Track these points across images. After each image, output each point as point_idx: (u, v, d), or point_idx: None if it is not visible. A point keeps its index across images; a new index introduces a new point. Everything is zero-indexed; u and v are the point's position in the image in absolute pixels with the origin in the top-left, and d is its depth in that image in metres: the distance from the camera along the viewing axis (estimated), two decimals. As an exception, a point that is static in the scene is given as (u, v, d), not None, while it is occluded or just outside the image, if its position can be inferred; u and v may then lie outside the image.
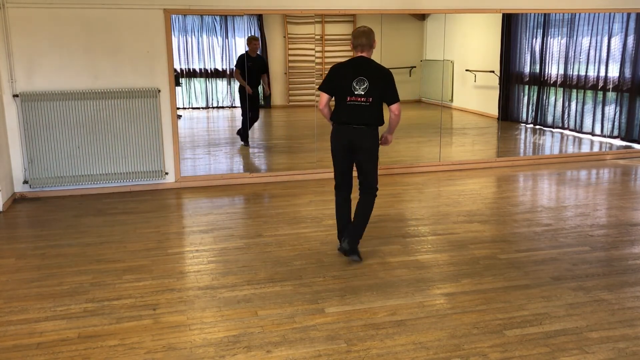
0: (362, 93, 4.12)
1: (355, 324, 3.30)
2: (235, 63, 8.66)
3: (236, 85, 10.20)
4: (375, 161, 4.33)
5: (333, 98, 4.25)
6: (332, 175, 6.88)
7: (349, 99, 4.14)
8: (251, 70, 8.22)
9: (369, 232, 4.90)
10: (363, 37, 4.28)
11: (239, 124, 8.96)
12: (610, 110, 8.78)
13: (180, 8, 6.20)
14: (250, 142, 8.67)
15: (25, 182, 6.07)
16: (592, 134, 9.05)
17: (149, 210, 5.67)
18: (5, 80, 5.86)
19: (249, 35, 8.57)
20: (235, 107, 11.99)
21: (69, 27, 5.94)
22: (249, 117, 8.48)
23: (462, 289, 3.76)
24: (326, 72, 11.22)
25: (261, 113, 11.91)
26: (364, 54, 4.27)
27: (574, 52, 9.32)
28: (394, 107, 4.20)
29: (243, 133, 8.58)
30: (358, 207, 4.32)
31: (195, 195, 6.25)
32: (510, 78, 10.26)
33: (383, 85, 4.15)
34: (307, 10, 6.97)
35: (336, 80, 4.21)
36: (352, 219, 4.37)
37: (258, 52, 8.62)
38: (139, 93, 6.17)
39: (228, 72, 11.81)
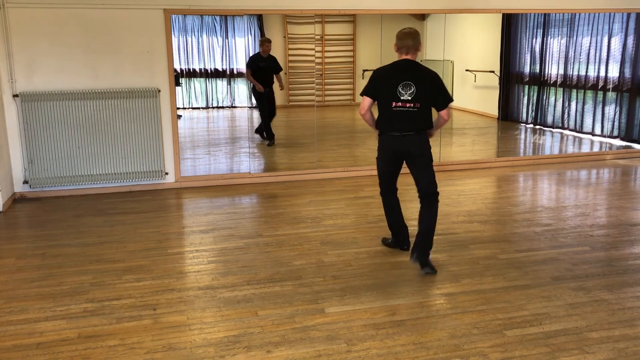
0: (409, 98, 3.96)
1: (355, 324, 3.30)
2: (246, 64, 8.82)
3: (242, 86, 10.31)
4: (431, 164, 4.16)
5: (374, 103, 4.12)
6: (331, 175, 6.90)
7: (394, 104, 3.98)
8: (264, 70, 8.49)
9: (369, 232, 4.91)
10: (409, 39, 4.02)
11: (239, 124, 8.99)
12: (610, 110, 8.78)
13: (180, 8, 6.20)
14: (274, 140, 8.83)
15: (25, 182, 6.07)
16: (592, 134, 9.05)
17: (149, 210, 5.67)
18: (5, 80, 5.86)
19: (262, 37, 8.82)
20: (235, 107, 11.99)
21: (69, 27, 5.94)
22: (267, 114, 8.67)
23: (462, 289, 3.76)
24: (326, 72, 11.21)
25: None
26: (408, 57, 4.06)
27: (574, 52, 9.32)
28: (444, 112, 4.07)
29: (266, 131, 8.75)
30: (423, 218, 4.13)
31: (195, 195, 6.25)
32: (510, 78, 10.25)
33: (431, 89, 4.00)
34: (307, 10, 6.97)
35: (380, 84, 4.05)
36: (404, 223, 4.37)
37: (269, 53, 8.76)
38: (139, 93, 6.17)
39: (228, 72, 11.80)
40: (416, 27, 4.17)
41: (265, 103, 8.65)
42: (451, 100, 4.09)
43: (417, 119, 3.99)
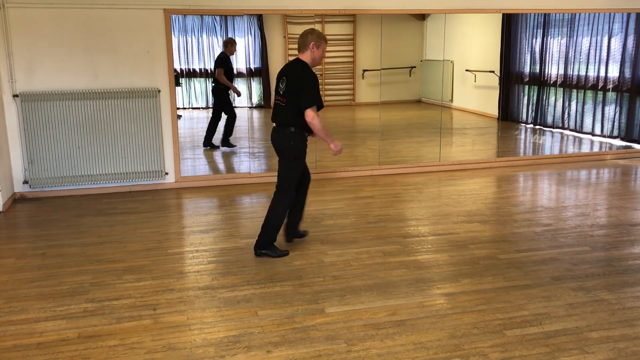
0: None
1: (355, 324, 3.30)
2: (215, 63, 8.35)
3: (242, 85, 10.12)
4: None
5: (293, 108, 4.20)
6: (331, 175, 6.90)
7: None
8: (232, 70, 8.33)
9: (369, 232, 4.91)
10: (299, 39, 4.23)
11: (239, 124, 8.93)
12: (610, 110, 8.79)
13: (180, 8, 6.20)
14: (214, 145, 8.50)
15: (25, 182, 6.07)
16: (592, 134, 9.05)
17: (149, 210, 5.67)
18: (5, 80, 5.86)
19: (229, 38, 8.44)
20: (235, 107, 12.00)
21: (69, 27, 5.94)
22: (231, 119, 8.38)
23: (462, 289, 3.76)
24: (327, 72, 11.20)
25: (261, 113, 11.95)
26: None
27: (574, 52, 9.32)
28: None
29: (228, 136, 8.43)
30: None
31: (195, 195, 6.25)
32: (510, 78, 10.25)
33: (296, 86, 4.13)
34: (307, 10, 6.97)
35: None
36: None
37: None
38: (139, 93, 6.17)
39: (215, 71, 11.80)
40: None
41: (229, 107, 8.39)
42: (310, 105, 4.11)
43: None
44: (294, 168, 4.30)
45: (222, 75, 8.15)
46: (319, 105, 4.14)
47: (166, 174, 6.42)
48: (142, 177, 6.32)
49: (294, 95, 4.11)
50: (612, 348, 3.03)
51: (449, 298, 3.64)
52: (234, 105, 8.68)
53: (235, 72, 10.53)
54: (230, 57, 8.36)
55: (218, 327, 3.28)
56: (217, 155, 8.41)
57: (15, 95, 5.91)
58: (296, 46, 4.24)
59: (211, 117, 8.50)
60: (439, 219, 5.27)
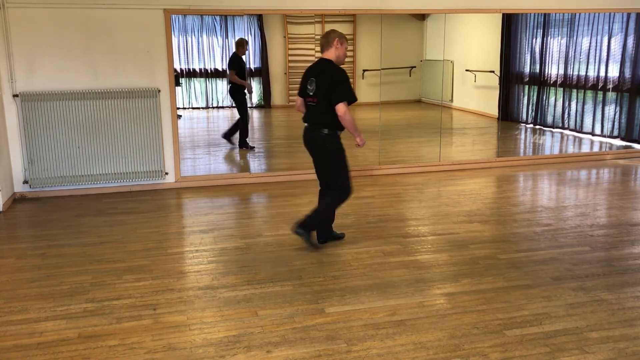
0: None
1: (355, 324, 3.30)
2: (228, 64, 8.48)
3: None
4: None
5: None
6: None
7: None
8: (243, 70, 8.35)
9: (369, 232, 4.91)
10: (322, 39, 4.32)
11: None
12: (610, 110, 8.79)
13: (180, 8, 6.20)
14: (249, 144, 8.63)
15: (25, 182, 6.07)
16: (592, 134, 9.05)
17: (149, 210, 5.67)
18: (5, 80, 5.86)
19: (241, 38, 8.50)
20: (235, 107, 12.01)
21: (69, 27, 5.94)
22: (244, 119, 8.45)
23: (462, 289, 3.76)
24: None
25: (261, 113, 11.96)
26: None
27: (574, 52, 9.32)
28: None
29: (245, 136, 8.50)
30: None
31: (195, 195, 6.25)
32: (510, 78, 10.26)
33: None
34: (307, 10, 6.97)
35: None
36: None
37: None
38: (139, 93, 6.17)
39: (228, 72, 11.81)
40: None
41: (244, 106, 8.47)
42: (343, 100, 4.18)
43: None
44: (342, 164, 4.38)
45: (234, 77, 8.25)
46: (351, 100, 4.20)
47: (166, 173, 6.42)
48: (142, 177, 6.32)
49: (325, 93, 4.16)
50: (612, 348, 3.03)
51: (449, 298, 3.64)
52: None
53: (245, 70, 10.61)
54: (242, 56, 8.40)
55: (218, 327, 3.28)
56: (217, 155, 8.41)
57: (15, 95, 5.91)
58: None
59: (239, 119, 8.54)
60: (439, 219, 5.27)
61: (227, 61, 8.52)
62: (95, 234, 4.95)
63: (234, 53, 8.45)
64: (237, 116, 8.55)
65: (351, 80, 11.28)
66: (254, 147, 8.53)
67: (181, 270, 4.17)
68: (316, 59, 4.38)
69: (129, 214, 5.53)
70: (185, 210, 5.81)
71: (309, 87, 4.28)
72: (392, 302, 3.57)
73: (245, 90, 8.37)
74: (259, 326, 3.28)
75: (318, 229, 4.54)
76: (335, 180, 4.39)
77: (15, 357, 2.99)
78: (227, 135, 8.72)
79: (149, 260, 4.31)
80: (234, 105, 8.69)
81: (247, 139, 8.47)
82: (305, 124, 4.40)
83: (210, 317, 3.41)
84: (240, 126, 8.49)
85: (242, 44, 8.39)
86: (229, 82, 8.43)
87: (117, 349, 3.06)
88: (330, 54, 4.24)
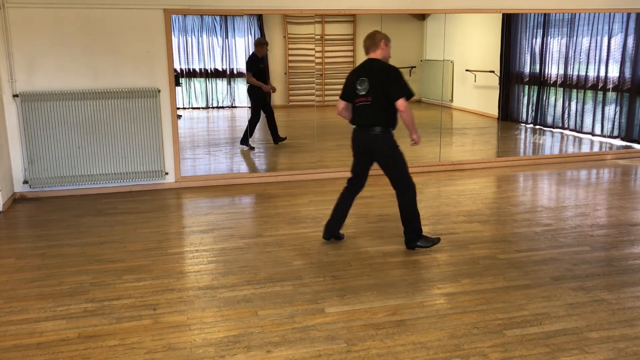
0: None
1: (355, 324, 3.30)
2: (246, 66, 8.48)
3: (242, 85, 10.13)
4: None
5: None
6: (331, 175, 6.90)
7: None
8: (263, 71, 8.37)
9: (369, 232, 4.91)
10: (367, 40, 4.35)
11: (239, 124, 8.94)
12: (610, 110, 8.78)
13: (180, 8, 6.20)
14: (250, 144, 8.64)
15: (25, 182, 6.07)
16: (592, 134, 9.05)
17: (149, 210, 5.67)
18: (5, 80, 5.86)
19: (260, 38, 8.49)
20: (235, 107, 11.99)
21: (69, 27, 5.94)
22: (255, 119, 8.48)
23: (462, 289, 3.76)
24: (327, 72, 11.17)
25: (261, 113, 11.95)
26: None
27: (574, 52, 9.31)
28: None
29: (276, 133, 8.54)
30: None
31: (195, 195, 6.25)
32: (510, 78, 10.25)
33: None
34: (307, 10, 6.97)
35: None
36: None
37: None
38: (139, 93, 6.17)
39: (228, 72, 11.80)
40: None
41: (265, 104, 8.51)
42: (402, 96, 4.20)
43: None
44: (400, 162, 4.35)
45: (252, 79, 8.26)
46: (410, 95, 4.23)
47: (166, 174, 6.42)
48: (142, 177, 6.32)
49: (381, 91, 4.17)
50: (612, 348, 3.03)
51: (449, 298, 3.64)
52: (249, 105, 8.70)
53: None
54: (262, 57, 8.43)
55: (218, 327, 3.28)
56: (217, 155, 8.41)
57: (15, 95, 5.91)
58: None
59: (250, 117, 8.55)
60: (439, 219, 5.27)
61: (246, 61, 8.54)
62: (95, 234, 4.95)
63: (252, 53, 8.51)
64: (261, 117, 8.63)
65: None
66: (254, 147, 8.54)
67: (181, 270, 4.17)
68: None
69: (129, 214, 5.53)
70: (185, 210, 5.81)
71: (359, 88, 4.24)
72: (392, 302, 3.57)
73: (270, 92, 8.45)
74: (259, 326, 3.28)
75: (328, 225, 4.60)
76: (400, 179, 4.37)
77: (15, 357, 2.99)
78: (275, 139, 8.71)
79: (149, 260, 4.31)
80: (255, 106, 8.75)
81: (250, 139, 8.51)
82: (355, 126, 4.39)
83: (210, 317, 3.41)
84: (249, 124, 8.54)
85: (261, 44, 8.42)
86: (247, 82, 8.47)
87: (117, 349, 3.06)
88: (377, 55, 4.28)
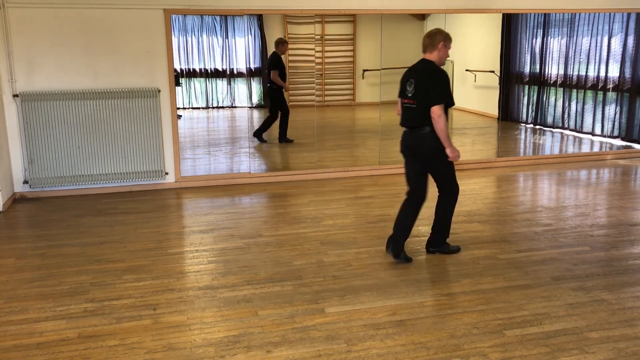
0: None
1: (355, 324, 3.30)
2: (270, 65, 8.59)
3: (242, 85, 10.19)
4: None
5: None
6: (331, 175, 6.90)
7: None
8: (283, 70, 8.55)
9: (369, 232, 4.91)
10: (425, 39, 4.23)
11: (239, 124, 8.95)
12: (610, 110, 8.78)
13: (180, 8, 6.20)
14: (263, 139, 8.77)
15: (25, 182, 6.07)
16: (592, 134, 9.04)
17: (149, 210, 5.67)
18: (5, 80, 5.86)
19: (282, 38, 8.62)
20: (235, 107, 11.99)
21: (69, 27, 5.94)
22: (286, 115, 8.61)
23: (462, 289, 3.76)
24: (326, 72, 11.15)
25: (261, 113, 11.94)
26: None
27: (574, 52, 9.31)
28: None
29: (285, 131, 8.63)
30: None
31: (195, 195, 6.25)
32: (510, 78, 10.25)
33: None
34: (307, 10, 6.97)
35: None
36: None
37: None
38: (139, 93, 6.17)
39: (228, 72, 11.80)
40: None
41: (282, 103, 8.63)
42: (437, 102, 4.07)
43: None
44: (446, 165, 4.19)
45: (277, 77, 8.33)
46: (449, 104, 4.09)
47: (166, 173, 6.42)
48: (142, 177, 6.32)
49: (424, 95, 4.05)
50: (612, 348, 3.03)
51: (449, 298, 3.64)
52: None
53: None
54: (282, 56, 8.53)
55: (218, 327, 3.28)
56: (217, 155, 8.41)
57: (15, 95, 5.91)
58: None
59: (269, 116, 8.70)
60: (439, 219, 5.26)
61: (269, 61, 8.59)
62: (95, 234, 4.95)
63: (274, 53, 8.55)
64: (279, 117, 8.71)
65: (351, 80, 11.29)
66: (266, 141, 8.71)
67: (181, 270, 4.17)
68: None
69: (129, 214, 5.53)
70: (185, 210, 5.81)
71: (407, 89, 4.19)
72: (392, 302, 3.57)
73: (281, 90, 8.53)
74: (259, 326, 3.28)
75: (390, 239, 4.29)
76: (445, 182, 4.26)
77: (15, 357, 2.99)
78: (281, 138, 8.77)
79: (149, 260, 4.31)
80: (269, 105, 8.83)
81: (264, 135, 8.66)
82: (404, 128, 4.28)
83: (210, 317, 3.41)
84: (267, 121, 8.66)
85: (282, 43, 8.49)
86: (269, 81, 8.52)
87: (117, 349, 3.06)
88: (433, 56, 4.15)
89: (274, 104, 8.62)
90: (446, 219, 4.33)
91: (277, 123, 8.70)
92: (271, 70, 8.42)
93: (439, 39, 4.11)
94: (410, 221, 4.25)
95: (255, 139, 8.70)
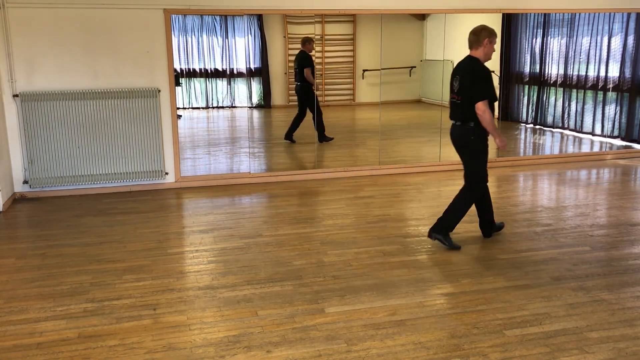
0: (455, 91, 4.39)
1: (355, 324, 3.30)
2: (302, 63, 8.56)
3: (242, 85, 10.22)
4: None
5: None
6: (331, 175, 6.90)
7: None
8: (314, 68, 8.54)
9: (369, 232, 4.91)
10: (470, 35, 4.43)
11: (239, 124, 8.95)
12: (610, 110, 8.78)
13: (180, 8, 6.20)
14: (293, 140, 8.77)
15: (25, 182, 6.07)
16: (592, 134, 9.04)
17: (149, 210, 5.67)
18: (5, 80, 5.86)
19: (306, 36, 8.64)
20: (235, 107, 11.99)
21: (69, 27, 5.94)
22: (320, 113, 8.57)
23: (462, 289, 3.76)
24: (327, 72, 11.21)
25: (261, 113, 11.95)
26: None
27: (574, 52, 9.31)
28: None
29: (322, 129, 8.63)
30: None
31: (195, 195, 6.25)
32: (510, 78, 10.25)
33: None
34: (307, 10, 6.97)
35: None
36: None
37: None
38: (139, 93, 6.17)
39: (228, 72, 11.80)
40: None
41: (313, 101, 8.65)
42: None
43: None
44: (480, 162, 4.44)
45: (310, 75, 8.38)
46: (492, 99, 4.31)
47: (166, 173, 6.42)
48: (142, 177, 6.32)
49: (467, 91, 4.26)
50: (612, 348, 3.03)
51: (449, 298, 3.64)
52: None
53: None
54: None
55: (218, 327, 3.28)
56: (217, 155, 8.41)
57: (15, 95, 5.91)
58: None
59: (298, 114, 8.67)
60: (439, 219, 5.26)
61: (299, 60, 8.58)
62: (95, 234, 4.95)
63: (302, 51, 8.55)
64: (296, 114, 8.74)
65: (351, 80, 11.28)
66: (295, 141, 8.71)
67: (181, 270, 4.17)
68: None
69: (129, 214, 5.53)
70: (185, 210, 5.81)
71: (454, 84, 4.41)
72: (392, 302, 3.57)
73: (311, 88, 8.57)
74: (259, 326, 3.28)
75: (480, 226, 4.67)
76: (472, 176, 4.47)
77: (15, 357, 2.99)
78: (289, 135, 8.79)
79: (149, 260, 4.31)
80: (298, 103, 8.82)
81: (325, 132, 8.63)
82: (452, 122, 4.50)
83: (210, 317, 3.41)
84: (297, 120, 8.65)
85: (309, 41, 8.54)
86: (299, 80, 8.54)
87: (117, 349, 3.06)
88: (478, 53, 4.35)
89: (304, 102, 8.62)
90: (457, 211, 4.46)
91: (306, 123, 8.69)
92: (304, 68, 8.44)
93: (484, 36, 4.31)
94: (484, 204, 4.60)
95: (275, 139, 8.67)
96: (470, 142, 4.38)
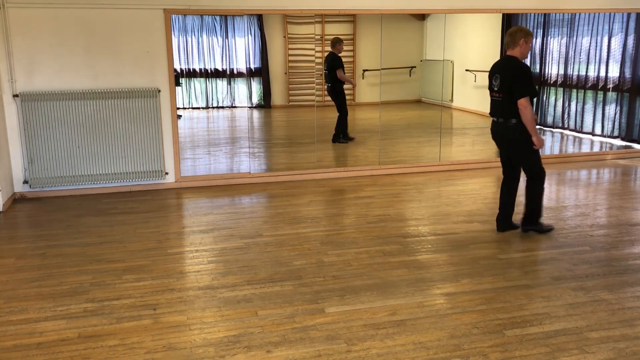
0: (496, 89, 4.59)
1: (355, 324, 3.30)
2: (333, 64, 8.63)
3: (242, 85, 10.23)
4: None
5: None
6: (331, 175, 6.90)
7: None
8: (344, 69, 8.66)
9: (369, 232, 4.91)
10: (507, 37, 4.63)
11: (239, 124, 8.94)
12: (610, 110, 8.78)
13: (180, 8, 6.20)
14: (350, 137, 8.83)
15: (25, 182, 6.07)
16: (593, 134, 9.04)
17: (149, 210, 5.67)
18: (5, 80, 5.86)
19: (336, 37, 8.75)
20: (235, 107, 11.99)
21: (69, 27, 5.94)
22: (345, 115, 8.70)
23: (462, 289, 3.76)
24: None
25: (261, 113, 11.96)
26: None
27: (574, 52, 9.31)
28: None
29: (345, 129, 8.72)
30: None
31: (195, 195, 6.25)
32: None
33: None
34: (307, 10, 6.97)
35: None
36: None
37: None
38: (139, 93, 6.17)
39: (228, 72, 11.81)
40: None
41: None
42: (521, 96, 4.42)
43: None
44: (532, 153, 4.58)
45: (343, 75, 8.53)
46: (533, 95, 4.48)
47: (166, 173, 6.42)
48: (142, 177, 6.32)
49: (508, 89, 4.45)
50: (612, 348, 3.03)
51: (449, 298, 3.64)
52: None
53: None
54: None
55: (218, 327, 3.29)
56: (217, 155, 8.41)
57: (15, 95, 5.91)
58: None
59: (339, 115, 8.72)
60: (439, 219, 5.27)
61: (329, 61, 8.66)
62: (95, 234, 4.95)
63: (332, 53, 8.63)
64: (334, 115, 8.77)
65: (351, 80, 11.27)
66: (353, 137, 8.81)
67: (181, 270, 4.17)
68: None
69: (129, 214, 5.53)
70: (185, 210, 5.81)
71: (494, 83, 4.62)
72: (392, 302, 3.57)
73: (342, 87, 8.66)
74: (259, 326, 3.29)
75: (498, 218, 4.88)
76: (531, 167, 4.64)
77: (15, 357, 2.99)
78: (345, 136, 8.84)
79: (149, 260, 4.31)
80: (336, 104, 8.86)
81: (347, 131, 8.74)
82: (493, 119, 4.70)
83: (210, 317, 3.41)
84: (341, 121, 8.70)
85: (339, 42, 8.64)
86: (331, 80, 8.61)
87: (117, 349, 3.06)
88: (515, 52, 4.53)
89: (339, 101, 8.69)
90: (537, 201, 4.67)
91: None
92: (336, 70, 8.53)
93: (520, 36, 4.50)
94: (510, 198, 4.81)
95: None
96: (516, 138, 4.54)
